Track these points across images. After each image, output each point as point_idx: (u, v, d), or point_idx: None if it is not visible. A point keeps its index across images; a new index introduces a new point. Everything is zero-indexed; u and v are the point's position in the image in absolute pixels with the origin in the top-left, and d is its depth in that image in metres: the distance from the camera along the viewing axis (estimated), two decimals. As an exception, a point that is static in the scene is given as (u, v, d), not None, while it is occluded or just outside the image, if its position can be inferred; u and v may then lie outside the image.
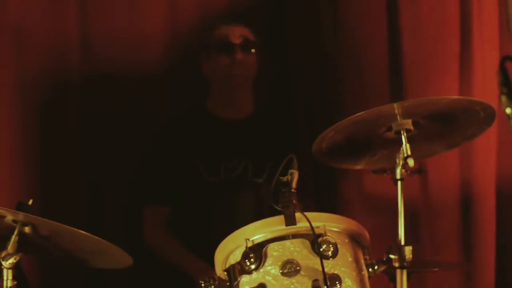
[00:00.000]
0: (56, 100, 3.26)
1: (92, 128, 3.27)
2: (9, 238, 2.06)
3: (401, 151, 2.27)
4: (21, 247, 2.07)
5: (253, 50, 3.03)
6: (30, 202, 2.13)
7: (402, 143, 2.27)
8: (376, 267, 2.19)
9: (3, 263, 2.05)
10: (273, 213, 2.12)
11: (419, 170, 3.08)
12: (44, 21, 3.21)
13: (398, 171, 2.28)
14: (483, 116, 2.41)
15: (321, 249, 2.04)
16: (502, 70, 1.57)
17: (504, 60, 1.59)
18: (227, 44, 3.00)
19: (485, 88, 3.34)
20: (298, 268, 2.03)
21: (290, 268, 2.03)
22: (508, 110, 1.58)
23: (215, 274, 2.13)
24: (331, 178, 3.37)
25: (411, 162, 2.25)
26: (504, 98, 1.58)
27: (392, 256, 2.20)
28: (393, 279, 2.27)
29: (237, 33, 3.02)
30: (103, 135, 3.28)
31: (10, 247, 2.05)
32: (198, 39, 3.14)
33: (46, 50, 3.23)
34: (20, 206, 2.11)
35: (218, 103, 3.09)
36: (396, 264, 2.20)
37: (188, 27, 3.31)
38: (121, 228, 3.18)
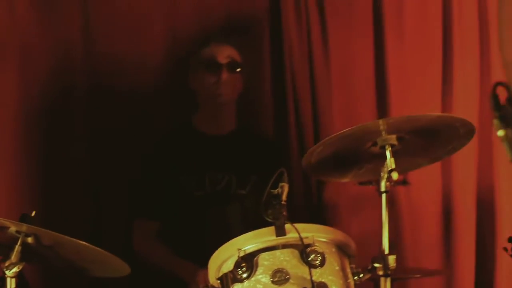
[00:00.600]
0: (60, 110, 3.23)
1: (95, 138, 3.24)
2: (12, 248, 2.05)
3: (386, 165, 2.26)
4: (24, 257, 2.06)
5: (238, 70, 3.01)
6: (33, 214, 2.11)
7: (386, 157, 2.26)
8: (361, 275, 2.18)
9: (7, 272, 2.04)
10: (258, 223, 2.11)
11: (404, 181, 3.07)
12: (48, 34, 3.20)
13: (383, 184, 2.26)
14: (463, 132, 2.41)
15: (309, 259, 2.04)
16: (494, 95, 1.58)
17: (496, 86, 1.60)
18: (214, 63, 2.98)
19: (466, 105, 3.34)
20: (287, 276, 2.02)
21: (280, 277, 2.03)
22: (500, 133, 1.58)
23: (208, 280, 2.13)
24: (321, 186, 3.34)
25: (395, 175, 2.25)
26: (496, 122, 1.59)
27: (376, 265, 2.19)
28: (378, 286, 2.26)
29: (224, 53, 3.00)
30: (106, 145, 3.24)
31: (14, 257, 2.04)
32: (186, 54, 3.13)
33: (50, 60, 3.21)
34: (24, 218, 2.09)
35: (203, 120, 3.07)
36: (380, 273, 2.19)
37: (186, 47, 3.30)
38: (122, 236, 3.15)
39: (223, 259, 2.09)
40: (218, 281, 2.06)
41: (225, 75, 2.96)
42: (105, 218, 3.22)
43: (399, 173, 2.27)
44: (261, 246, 2.07)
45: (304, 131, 3.33)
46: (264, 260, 2.05)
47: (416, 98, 3.37)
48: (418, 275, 3.22)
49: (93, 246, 2.09)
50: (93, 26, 3.26)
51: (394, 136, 2.32)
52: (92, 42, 3.26)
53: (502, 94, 1.56)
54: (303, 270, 2.02)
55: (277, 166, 2.92)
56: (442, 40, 3.38)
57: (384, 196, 2.26)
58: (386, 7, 3.37)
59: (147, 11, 3.31)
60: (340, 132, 2.26)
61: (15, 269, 2.03)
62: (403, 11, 3.39)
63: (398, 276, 2.94)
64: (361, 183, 2.89)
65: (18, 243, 2.04)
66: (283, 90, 3.35)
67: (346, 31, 3.39)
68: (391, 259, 2.20)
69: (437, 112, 3.28)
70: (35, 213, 2.12)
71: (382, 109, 3.37)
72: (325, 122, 3.33)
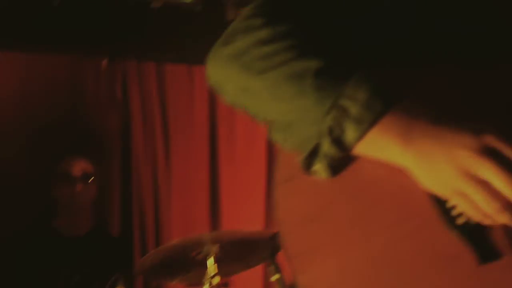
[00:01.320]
0: None
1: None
2: None
3: (208, 271, 2.47)
4: None
5: (91, 180, 3.14)
6: None
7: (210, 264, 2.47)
8: None
9: None
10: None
11: (225, 284, 3.24)
12: None
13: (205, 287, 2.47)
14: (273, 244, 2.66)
15: None
16: (272, 246, 1.81)
17: (273, 236, 1.84)
18: (68, 177, 3.10)
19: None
20: None
21: None
22: (273, 278, 1.83)
23: None
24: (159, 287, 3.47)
25: (215, 280, 2.44)
26: (271, 268, 1.84)
27: None
28: None
29: (78, 167, 3.12)
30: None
31: None
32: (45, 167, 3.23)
33: None
34: None
35: (62, 223, 3.16)
36: None
37: (46, 162, 3.33)
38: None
39: None
40: None
41: (79, 187, 3.09)
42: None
43: (222, 277, 2.47)
44: None
45: (146, 235, 3.48)
46: None
47: (244, 209, 3.61)
48: None
49: None
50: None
51: (216, 246, 2.54)
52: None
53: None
54: None
55: (125, 263, 3.08)
56: (266, 164, 3.65)
57: (206, 299, 2.45)
58: (221, 134, 3.65)
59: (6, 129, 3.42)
60: (169, 243, 2.46)
61: None
62: (235, 138, 3.67)
63: None
64: (188, 285, 3.04)
65: None
66: (129, 197, 3.51)
67: (187, 147, 3.60)
68: None
69: (260, 225, 3.55)
70: None
71: (215, 220, 3.58)
72: (165, 228, 3.50)
